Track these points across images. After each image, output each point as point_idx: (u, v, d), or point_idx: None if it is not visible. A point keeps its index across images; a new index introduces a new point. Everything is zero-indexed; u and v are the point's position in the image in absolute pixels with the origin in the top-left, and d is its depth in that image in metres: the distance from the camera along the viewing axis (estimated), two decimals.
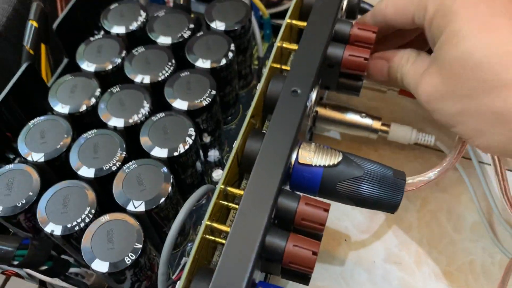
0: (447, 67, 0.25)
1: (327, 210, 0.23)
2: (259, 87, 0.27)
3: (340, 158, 0.25)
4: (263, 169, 0.23)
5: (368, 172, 0.25)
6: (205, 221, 0.22)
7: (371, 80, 0.32)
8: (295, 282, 0.25)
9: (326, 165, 0.25)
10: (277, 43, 0.28)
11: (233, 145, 0.25)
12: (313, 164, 0.25)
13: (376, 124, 0.34)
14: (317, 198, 0.25)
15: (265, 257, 0.22)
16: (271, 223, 0.23)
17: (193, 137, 0.27)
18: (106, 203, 0.25)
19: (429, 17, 0.27)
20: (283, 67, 0.29)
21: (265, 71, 0.27)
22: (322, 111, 0.33)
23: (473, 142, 0.26)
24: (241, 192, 0.23)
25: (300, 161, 0.25)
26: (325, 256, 0.32)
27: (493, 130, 0.24)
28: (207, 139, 0.31)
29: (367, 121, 0.34)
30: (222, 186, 0.24)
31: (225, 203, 0.24)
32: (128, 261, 0.23)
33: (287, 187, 0.26)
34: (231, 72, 0.31)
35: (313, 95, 0.27)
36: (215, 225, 0.24)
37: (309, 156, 0.25)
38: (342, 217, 0.33)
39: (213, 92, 0.28)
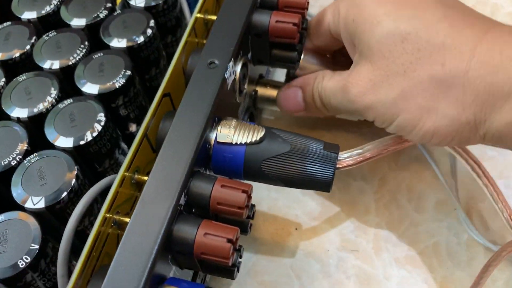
0: (375, 52, 0.23)
1: (245, 192, 0.20)
2: (172, 62, 0.24)
3: (262, 134, 0.22)
4: (172, 150, 0.21)
5: (295, 147, 0.22)
6: (102, 214, 0.20)
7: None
8: (220, 277, 0.22)
9: (248, 142, 0.22)
10: (195, 14, 0.25)
11: (140, 128, 0.22)
12: (234, 143, 0.22)
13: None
14: (244, 181, 0.22)
15: (175, 250, 0.20)
16: (181, 211, 0.20)
17: (102, 123, 0.24)
18: (3, 202, 0.22)
19: (342, 17, 0.25)
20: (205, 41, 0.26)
21: (180, 44, 0.24)
22: (262, 90, 0.30)
23: (422, 128, 0.23)
24: None
25: (219, 140, 0.22)
26: (273, 248, 0.29)
27: (438, 104, 0.22)
28: (132, 128, 0.28)
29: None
30: (126, 174, 0.21)
31: (135, 193, 0.22)
32: (22, 264, 0.20)
33: (210, 172, 0.23)
34: (154, 52, 0.28)
35: (237, 68, 0.24)
36: (118, 217, 0.21)
37: (229, 133, 0.22)
38: (292, 204, 0.30)
39: (128, 72, 0.25)
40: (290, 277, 0.28)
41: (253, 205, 0.23)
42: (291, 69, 0.28)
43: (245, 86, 0.26)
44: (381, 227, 0.29)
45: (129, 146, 0.28)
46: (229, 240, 0.19)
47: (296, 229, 0.30)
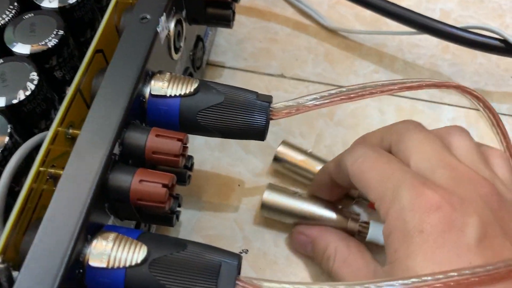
0: None
1: (180, 140, 0.21)
2: (104, 18, 0.24)
3: (196, 85, 0.23)
4: (105, 102, 0.21)
5: (229, 97, 0.23)
6: (35, 166, 0.20)
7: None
8: (160, 225, 0.23)
9: (182, 94, 0.22)
10: None
11: (72, 84, 0.22)
12: (168, 95, 0.22)
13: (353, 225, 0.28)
14: None
15: (112, 198, 0.20)
16: (117, 161, 0.20)
17: (35, 82, 0.23)
18: None
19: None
20: None
21: (112, 1, 0.24)
22: None
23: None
24: None
25: (153, 93, 0.22)
26: (217, 204, 0.30)
27: None
28: (69, 90, 0.28)
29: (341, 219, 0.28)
30: (59, 129, 0.21)
31: (70, 148, 0.22)
32: None
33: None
34: (87, 13, 0.28)
35: (171, 24, 0.25)
36: (54, 171, 0.21)
37: (163, 86, 0.23)
38: (235, 162, 0.31)
39: (61, 32, 0.25)
40: (234, 229, 0.29)
41: (190, 156, 0.24)
42: (227, 27, 0.28)
43: (182, 44, 0.27)
44: None
45: None
46: (165, 185, 0.20)
47: (239, 185, 0.30)
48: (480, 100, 0.27)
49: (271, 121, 0.23)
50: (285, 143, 0.30)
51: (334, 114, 0.33)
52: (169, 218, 0.22)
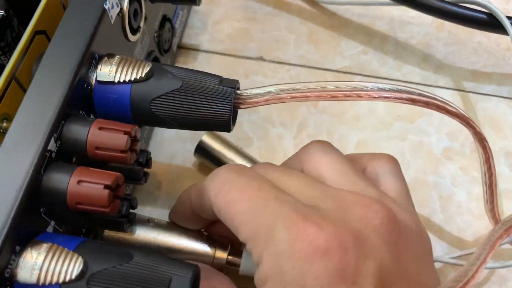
0: None
1: (128, 133, 0.18)
2: None
3: (148, 68, 0.20)
4: (40, 90, 0.18)
5: (188, 83, 0.20)
6: None
7: None
8: (109, 229, 0.20)
9: (133, 79, 0.20)
10: None
11: (5, 69, 0.19)
12: (116, 81, 0.20)
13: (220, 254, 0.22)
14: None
15: (47, 202, 0.17)
16: (51, 158, 0.18)
17: None
18: None
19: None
20: None
21: None
22: None
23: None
24: None
25: (99, 79, 0.20)
26: None
27: None
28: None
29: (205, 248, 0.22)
30: None
31: None
32: None
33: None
34: None
35: (124, 1, 0.22)
36: None
37: (111, 71, 0.20)
38: None
39: (1, 12, 0.22)
40: None
41: (144, 151, 0.21)
42: (193, 5, 0.25)
43: (141, 25, 0.24)
44: None
45: None
46: (107, 186, 0.17)
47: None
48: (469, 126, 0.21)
49: (247, 109, 0.21)
50: (212, 134, 0.27)
51: (319, 101, 0.30)
52: (119, 222, 0.19)
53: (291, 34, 0.32)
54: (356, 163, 0.21)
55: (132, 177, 0.20)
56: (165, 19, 0.28)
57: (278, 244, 0.17)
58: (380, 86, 0.19)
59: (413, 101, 0.19)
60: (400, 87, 0.19)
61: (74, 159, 0.19)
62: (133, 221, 0.21)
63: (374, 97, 0.19)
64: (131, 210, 0.20)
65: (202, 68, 0.23)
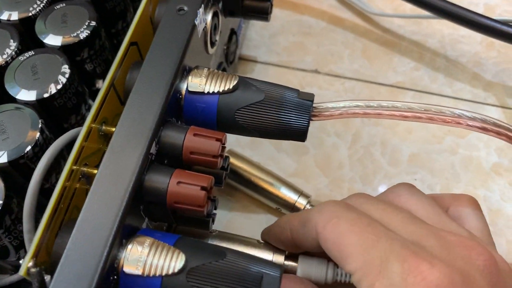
0: None
1: (219, 140, 0.20)
2: (139, 9, 0.23)
3: (235, 82, 0.21)
4: (140, 98, 0.20)
5: (269, 95, 0.21)
6: (68, 164, 0.19)
7: None
8: (195, 228, 0.22)
9: (221, 91, 0.21)
10: None
11: (106, 77, 0.21)
12: (206, 92, 0.21)
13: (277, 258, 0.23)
14: None
15: (147, 200, 0.19)
16: (153, 161, 0.19)
17: (67, 75, 0.23)
18: None
19: None
20: None
21: None
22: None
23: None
24: None
25: (190, 89, 0.21)
26: (248, 205, 0.29)
27: None
28: (99, 84, 0.27)
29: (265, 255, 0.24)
30: (93, 125, 0.20)
31: (103, 146, 0.21)
32: None
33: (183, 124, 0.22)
34: (119, 3, 0.27)
35: (208, 17, 0.23)
36: (87, 169, 0.20)
37: (201, 82, 0.21)
38: (266, 161, 0.30)
39: (93, 23, 0.24)
40: (263, 219, 0.28)
41: (227, 157, 0.23)
42: (264, 20, 0.27)
43: (217, 38, 0.26)
44: (354, 181, 0.29)
45: None
46: (203, 188, 0.19)
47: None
48: None
49: None
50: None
51: None
52: (205, 222, 0.21)
53: (345, 49, 0.34)
54: (439, 203, 0.22)
55: (215, 180, 0.22)
56: (232, 32, 0.30)
57: (391, 276, 0.18)
58: (457, 112, 0.20)
59: (485, 130, 0.20)
60: (475, 115, 0.20)
61: (165, 161, 0.21)
62: (214, 221, 0.22)
63: (447, 122, 0.20)
64: (214, 211, 0.22)
65: (260, 79, 0.24)
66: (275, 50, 0.34)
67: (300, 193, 0.28)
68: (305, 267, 0.23)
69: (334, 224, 0.20)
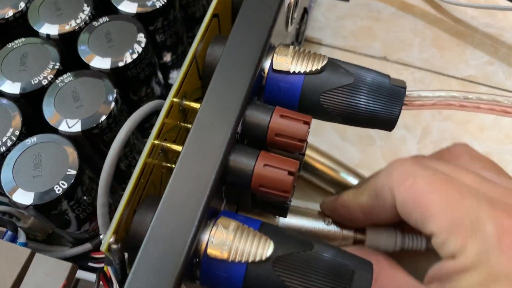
0: None
1: (307, 123, 0.19)
2: None
3: (324, 63, 0.20)
4: (226, 77, 0.19)
5: (359, 79, 0.20)
6: (152, 138, 0.18)
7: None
8: (271, 213, 0.21)
9: (308, 71, 0.20)
10: None
11: (190, 49, 0.20)
12: (291, 71, 0.20)
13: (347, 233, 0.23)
14: None
15: (230, 181, 0.18)
16: (237, 141, 0.18)
17: (143, 45, 0.21)
18: (34, 124, 0.20)
19: None
20: None
21: None
22: None
23: None
24: None
25: (275, 67, 0.20)
26: (311, 194, 0.28)
27: None
28: (167, 57, 0.26)
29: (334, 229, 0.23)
30: (175, 99, 0.19)
31: (182, 124, 0.20)
32: (59, 190, 0.18)
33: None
34: None
35: None
36: (167, 145, 0.19)
37: (286, 61, 0.20)
38: (331, 150, 0.29)
39: None
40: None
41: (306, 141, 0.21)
42: (344, 0, 0.26)
43: (295, 15, 0.24)
44: None
45: (164, 77, 0.26)
46: (291, 173, 0.17)
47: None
48: None
49: None
50: None
51: None
52: (284, 208, 0.19)
53: (415, 37, 0.32)
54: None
55: None
56: (305, 11, 0.28)
57: (484, 236, 0.17)
58: None
59: None
60: None
61: (245, 141, 0.20)
62: (289, 207, 0.21)
63: None
64: None
65: None
66: (341, 34, 0.33)
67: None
68: (374, 238, 0.22)
69: (412, 184, 0.18)
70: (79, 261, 0.22)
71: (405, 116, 0.29)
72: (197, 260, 0.16)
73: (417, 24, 0.33)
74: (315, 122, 0.29)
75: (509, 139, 0.29)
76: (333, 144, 0.29)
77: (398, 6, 0.33)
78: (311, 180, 0.27)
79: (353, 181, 0.27)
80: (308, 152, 0.27)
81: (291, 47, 0.21)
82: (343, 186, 0.27)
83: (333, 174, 0.27)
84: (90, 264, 0.23)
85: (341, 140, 0.29)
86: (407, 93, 0.20)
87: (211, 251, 0.16)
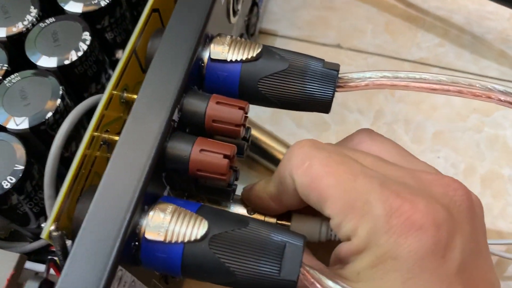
0: None
1: (242, 108, 0.19)
2: None
3: (259, 50, 0.21)
4: (162, 68, 0.19)
5: (294, 65, 0.21)
6: (90, 130, 0.18)
7: None
8: (216, 198, 0.22)
9: (244, 59, 0.21)
10: None
11: (127, 44, 0.20)
12: (228, 60, 0.21)
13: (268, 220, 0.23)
14: None
15: (169, 167, 0.19)
16: (175, 129, 0.19)
17: (88, 42, 0.22)
18: None
19: None
20: None
21: None
22: None
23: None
24: None
25: (213, 57, 0.21)
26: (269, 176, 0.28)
27: None
28: (119, 54, 0.26)
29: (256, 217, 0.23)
30: (114, 92, 0.19)
31: (126, 116, 0.20)
32: (7, 185, 0.19)
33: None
34: None
35: None
36: (109, 136, 0.20)
37: (223, 50, 0.21)
38: (287, 137, 0.30)
39: None
40: None
41: (248, 127, 0.22)
42: None
43: (239, 8, 0.25)
44: None
45: None
46: (226, 156, 0.18)
47: None
48: None
49: None
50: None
51: (396, 90, 0.31)
52: (227, 191, 0.20)
53: (368, 24, 0.33)
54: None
55: (237, 150, 0.22)
56: (254, 4, 0.29)
57: (374, 219, 0.17)
58: (489, 86, 0.19)
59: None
60: (508, 89, 0.19)
61: (187, 129, 0.20)
62: (235, 191, 0.22)
63: (477, 96, 0.20)
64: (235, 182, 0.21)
65: None
66: (297, 24, 0.33)
67: None
68: (296, 227, 0.22)
69: (307, 167, 0.18)
70: (41, 256, 0.23)
71: (359, 101, 0.30)
72: (137, 243, 0.17)
73: (371, 11, 0.34)
74: (272, 112, 0.30)
75: (460, 117, 0.30)
76: (289, 132, 0.30)
77: None
78: (268, 167, 0.28)
79: None
80: (266, 139, 0.28)
81: (228, 36, 0.21)
82: None
83: None
84: (50, 257, 0.23)
85: (296, 127, 0.30)
86: (340, 75, 0.21)
87: (149, 234, 0.17)
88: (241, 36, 0.28)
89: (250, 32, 0.29)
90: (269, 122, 0.30)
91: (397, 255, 0.17)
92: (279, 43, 0.33)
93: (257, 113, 0.30)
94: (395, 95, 0.30)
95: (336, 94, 0.31)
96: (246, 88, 0.21)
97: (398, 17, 0.33)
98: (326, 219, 0.21)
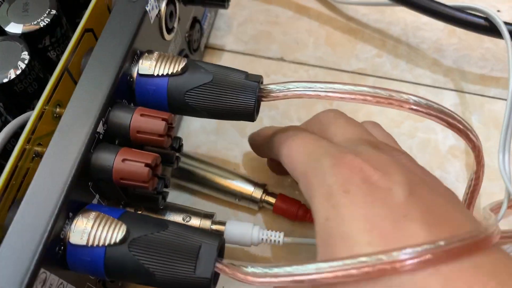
0: None
1: (165, 120, 0.21)
2: None
3: (184, 64, 0.22)
4: (89, 83, 0.21)
5: (217, 77, 0.22)
6: (20, 143, 0.20)
7: None
8: (146, 206, 0.23)
9: (170, 73, 0.22)
10: None
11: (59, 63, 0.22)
12: (155, 74, 0.22)
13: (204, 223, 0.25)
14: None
15: (95, 177, 0.20)
16: (100, 140, 0.20)
17: (26, 61, 0.23)
18: None
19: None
20: None
21: None
22: None
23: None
24: None
25: (140, 72, 0.22)
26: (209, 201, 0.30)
27: None
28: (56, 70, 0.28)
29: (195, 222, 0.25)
30: (45, 107, 0.21)
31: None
32: None
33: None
34: None
35: (162, 4, 0.24)
36: (40, 149, 0.21)
37: (151, 65, 0.22)
38: (230, 146, 0.31)
39: (53, 12, 0.25)
40: (228, 213, 0.29)
41: (178, 138, 0.23)
42: (222, 8, 0.28)
43: (175, 25, 0.26)
44: None
45: None
46: (147, 165, 0.19)
47: (234, 169, 0.30)
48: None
49: (269, 104, 0.23)
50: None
51: None
52: (155, 198, 0.21)
53: (310, 37, 0.35)
54: None
55: (166, 160, 0.23)
56: (195, 21, 0.31)
57: (323, 168, 0.21)
58: (395, 95, 0.21)
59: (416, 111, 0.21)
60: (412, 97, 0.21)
61: (117, 141, 0.22)
62: (166, 199, 0.23)
63: (381, 103, 0.21)
64: (165, 189, 0.22)
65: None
66: (242, 39, 0.35)
67: (255, 183, 0.28)
68: (231, 230, 0.25)
69: (290, 141, 0.23)
70: None
71: (299, 110, 0.32)
72: (62, 248, 0.18)
73: (312, 25, 0.35)
74: (218, 123, 0.32)
75: (394, 123, 0.32)
76: (233, 141, 0.31)
77: (295, 9, 0.36)
78: (210, 194, 0.29)
79: (249, 188, 0.28)
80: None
81: (156, 52, 0.23)
82: (240, 195, 0.29)
83: (230, 185, 0.28)
84: None
85: (240, 137, 0.31)
86: (262, 86, 0.23)
87: (72, 239, 0.18)
88: (182, 51, 0.29)
89: (193, 47, 0.31)
90: (213, 132, 0.31)
91: (347, 188, 0.19)
92: (226, 58, 0.34)
93: (202, 124, 0.32)
94: (332, 105, 0.32)
95: (278, 103, 0.33)
96: (174, 101, 0.22)
97: (338, 29, 0.35)
98: (258, 224, 0.24)
